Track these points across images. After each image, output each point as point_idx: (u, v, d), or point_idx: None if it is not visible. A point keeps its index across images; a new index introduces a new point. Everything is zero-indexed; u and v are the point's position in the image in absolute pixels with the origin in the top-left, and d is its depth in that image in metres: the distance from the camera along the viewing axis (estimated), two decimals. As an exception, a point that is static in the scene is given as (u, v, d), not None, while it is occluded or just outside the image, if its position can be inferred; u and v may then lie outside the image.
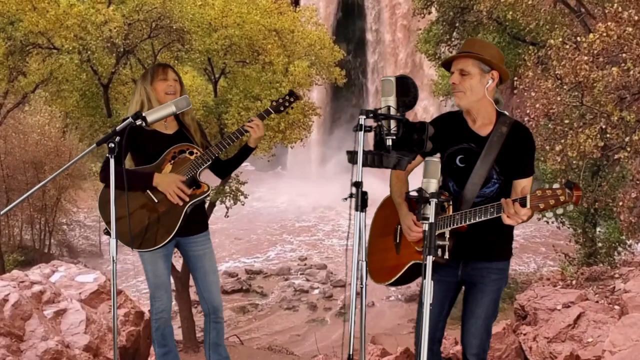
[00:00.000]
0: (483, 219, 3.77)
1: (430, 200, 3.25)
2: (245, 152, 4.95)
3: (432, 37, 19.98)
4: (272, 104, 4.99)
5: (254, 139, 4.86)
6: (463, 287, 4.28)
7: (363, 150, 3.39)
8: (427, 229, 3.26)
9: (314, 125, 21.81)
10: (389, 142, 3.42)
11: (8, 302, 6.05)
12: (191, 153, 4.74)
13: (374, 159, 3.40)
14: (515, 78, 14.53)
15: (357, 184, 3.44)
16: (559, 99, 12.03)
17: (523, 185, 3.88)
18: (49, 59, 17.81)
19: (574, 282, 10.78)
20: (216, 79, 20.01)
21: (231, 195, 20.30)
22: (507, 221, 3.69)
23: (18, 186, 29.77)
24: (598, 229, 18.08)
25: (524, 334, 8.44)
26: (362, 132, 3.38)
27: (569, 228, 18.68)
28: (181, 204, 4.60)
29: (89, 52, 16.80)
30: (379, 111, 3.41)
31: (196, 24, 17.72)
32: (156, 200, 4.61)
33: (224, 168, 5.03)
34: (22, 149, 30.47)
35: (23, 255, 28.82)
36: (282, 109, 4.99)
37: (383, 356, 8.86)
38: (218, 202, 20.38)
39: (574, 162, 12.60)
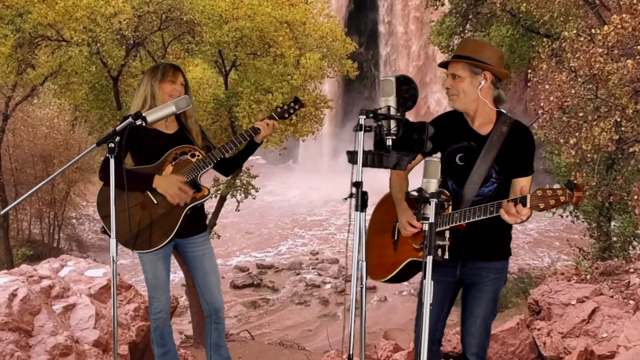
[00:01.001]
0: (482, 217, 3.78)
1: (430, 200, 3.27)
2: (250, 148, 4.90)
3: (445, 29, 19.77)
4: (276, 110, 4.92)
5: (262, 136, 4.81)
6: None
7: (363, 150, 3.41)
8: (427, 229, 3.26)
9: (325, 118, 21.69)
10: (389, 142, 3.44)
11: (17, 297, 6.04)
12: (193, 155, 4.70)
13: (374, 159, 3.43)
14: (529, 70, 14.45)
15: (357, 184, 3.49)
16: (573, 91, 11.93)
17: (522, 184, 3.90)
18: (58, 51, 17.72)
19: (588, 276, 10.71)
20: (227, 72, 19.96)
21: (242, 189, 20.26)
22: (506, 218, 3.66)
23: (27, 180, 29.76)
24: (613, 223, 17.94)
25: (538, 329, 8.38)
26: (362, 132, 3.40)
27: (583, 222, 18.55)
28: (182, 204, 4.57)
29: (98, 45, 16.76)
30: (379, 111, 3.43)
31: (207, 16, 17.65)
32: (155, 202, 4.58)
33: (229, 165, 4.97)
34: (31, 142, 30.46)
35: (32, 249, 28.74)
36: (287, 115, 4.92)
37: (395, 351, 8.81)
38: (229, 196, 20.36)
39: (589, 155, 12.55)
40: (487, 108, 3.97)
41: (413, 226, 3.97)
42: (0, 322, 5.71)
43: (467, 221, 3.82)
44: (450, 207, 3.91)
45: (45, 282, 6.75)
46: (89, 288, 7.35)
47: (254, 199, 21.26)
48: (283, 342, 21.61)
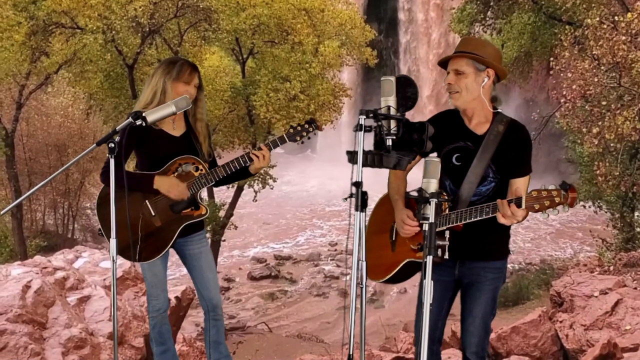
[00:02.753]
0: (479, 218, 3.83)
1: (430, 200, 3.30)
2: (242, 174, 4.79)
3: (466, 17, 19.63)
4: (288, 131, 4.69)
5: (255, 168, 4.69)
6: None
7: (363, 150, 3.47)
8: (427, 229, 3.30)
9: (344, 107, 21.65)
10: (389, 142, 3.49)
11: (31, 288, 6.04)
12: (196, 169, 4.63)
13: (374, 159, 3.49)
14: (552, 59, 14.39)
15: (357, 184, 3.51)
16: (596, 80, 11.90)
17: (519, 184, 3.93)
18: (72, 39, 17.73)
19: (611, 268, 10.68)
20: (244, 60, 19.95)
21: (259, 179, 20.26)
22: (501, 220, 3.74)
23: (41, 169, 29.56)
24: (636, 213, 17.86)
25: (560, 321, 8.35)
26: (362, 132, 3.46)
27: (606, 212, 18.53)
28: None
29: (113, 32, 16.78)
30: (379, 111, 3.48)
31: (223, 3, 17.61)
32: (153, 214, 4.55)
33: (221, 181, 4.82)
34: (45, 131, 30.18)
35: (46, 240, 28.48)
36: (299, 138, 4.68)
37: (416, 344, 8.75)
38: (246, 186, 20.35)
39: (612, 144, 12.52)
40: (485, 107, 3.98)
41: (409, 224, 4.00)
42: (14, 314, 5.71)
43: (463, 222, 3.86)
44: (447, 207, 3.94)
45: (60, 274, 6.73)
46: (104, 280, 7.33)
47: (271, 189, 21.23)
48: (301, 334, 21.54)
